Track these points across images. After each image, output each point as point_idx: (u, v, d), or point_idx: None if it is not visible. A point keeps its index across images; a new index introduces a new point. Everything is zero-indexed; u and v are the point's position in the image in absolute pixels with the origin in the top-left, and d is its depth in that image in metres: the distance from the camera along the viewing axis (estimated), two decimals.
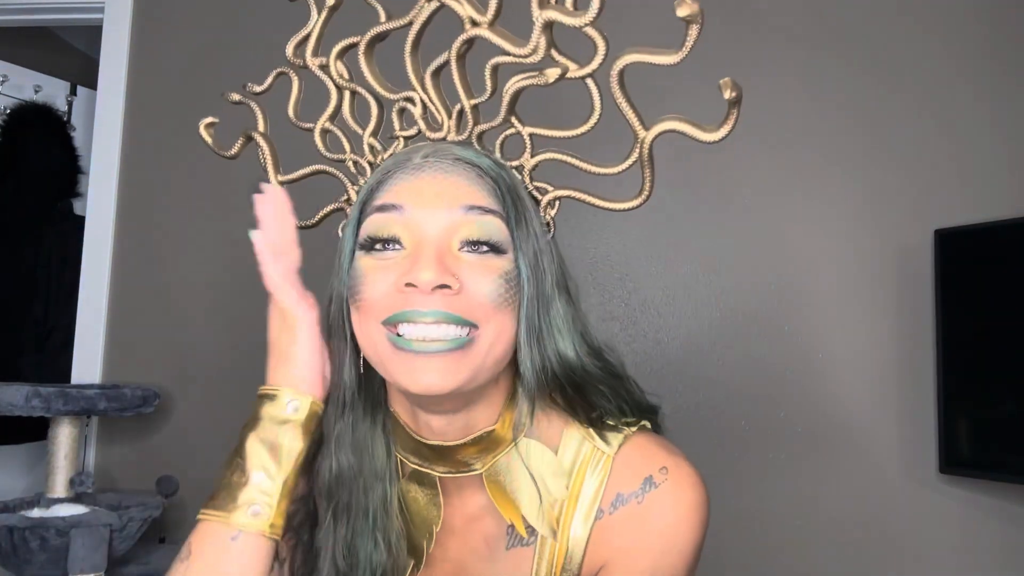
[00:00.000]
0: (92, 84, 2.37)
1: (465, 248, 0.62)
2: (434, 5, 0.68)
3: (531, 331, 0.64)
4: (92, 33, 2.20)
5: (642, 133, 0.69)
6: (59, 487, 1.70)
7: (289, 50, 0.83)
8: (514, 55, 0.65)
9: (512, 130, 0.71)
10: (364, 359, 0.66)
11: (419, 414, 0.66)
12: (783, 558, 1.67)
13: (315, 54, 0.80)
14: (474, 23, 0.66)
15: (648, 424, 0.72)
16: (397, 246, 0.63)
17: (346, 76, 0.78)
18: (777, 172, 1.76)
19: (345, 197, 0.82)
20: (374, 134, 0.77)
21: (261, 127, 0.90)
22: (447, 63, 0.70)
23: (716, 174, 1.78)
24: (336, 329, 0.68)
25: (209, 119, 0.92)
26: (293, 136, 0.88)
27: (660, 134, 0.69)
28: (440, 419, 0.66)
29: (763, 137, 1.77)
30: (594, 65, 0.65)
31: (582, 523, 0.66)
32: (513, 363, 0.67)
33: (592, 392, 0.68)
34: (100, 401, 1.69)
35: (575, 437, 0.68)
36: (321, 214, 0.89)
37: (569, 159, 0.71)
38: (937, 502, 1.63)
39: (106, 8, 2.06)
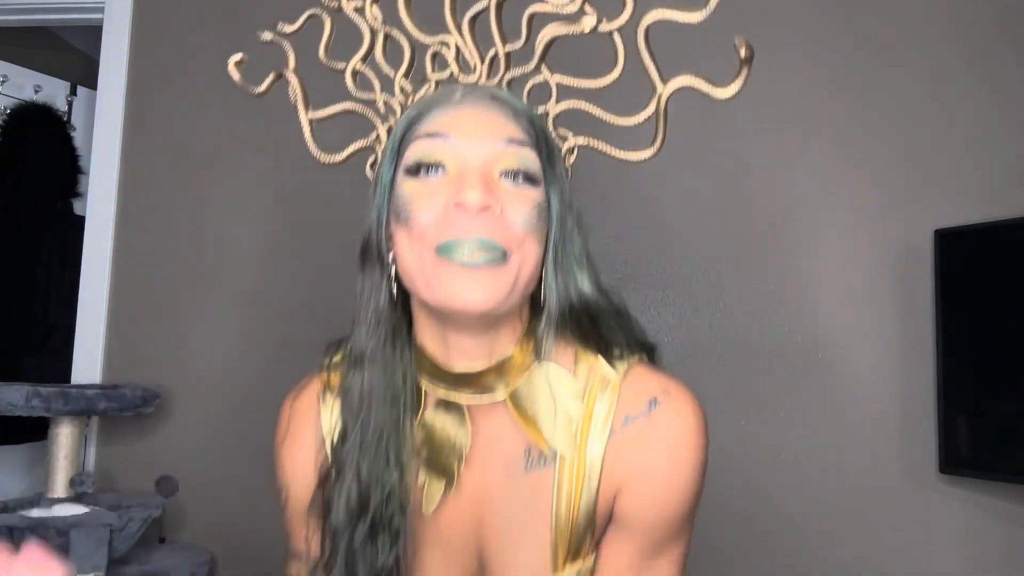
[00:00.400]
0: (92, 84, 2.37)
1: (504, 177, 0.68)
2: None
3: (556, 260, 0.70)
4: (92, 33, 2.20)
5: (660, 87, 0.75)
6: (59, 487, 1.70)
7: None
8: (552, 3, 0.73)
9: (540, 78, 0.76)
10: (394, 288, 0.72)
11: (449, 337, 0.71)
12: (783, 557, 1.67)
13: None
14: None
15: (647, 357, 0.77)
16: (441, 171, 0.68)
17: (380, 19, 0.82)
18: (776, 172, 1.76)
19: (375, 136, 0.84)
20: (406, 76, 0.81)
21: (292, 65, 0.92)
22: (485, 10, 0.76)
23: (716, 174, 1.78)
24: (372, 255, 0.73)
25: (238, 56, 0.96)
26: (322, 76, 0.90)
27: (677, 89, 0.75)
28: (470, 339, 0.70)
29: (762, 137, 1.77)
30: (623, 20, 0.72)
31: (597, 442, 0.70)
32: (530, 298, 0.73)
33: (603, 325, 0.74)
34: (100, 401, 1.69)
35: (585, 364, 0.73)
36: (349, 151, 0.92)
37: (591, 108, 0.76)
38: (937, 502, 1.63)
39: (106, 8, 2.06)
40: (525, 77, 0.77)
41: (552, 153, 0.71)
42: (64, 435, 1.72)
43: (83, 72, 2.88)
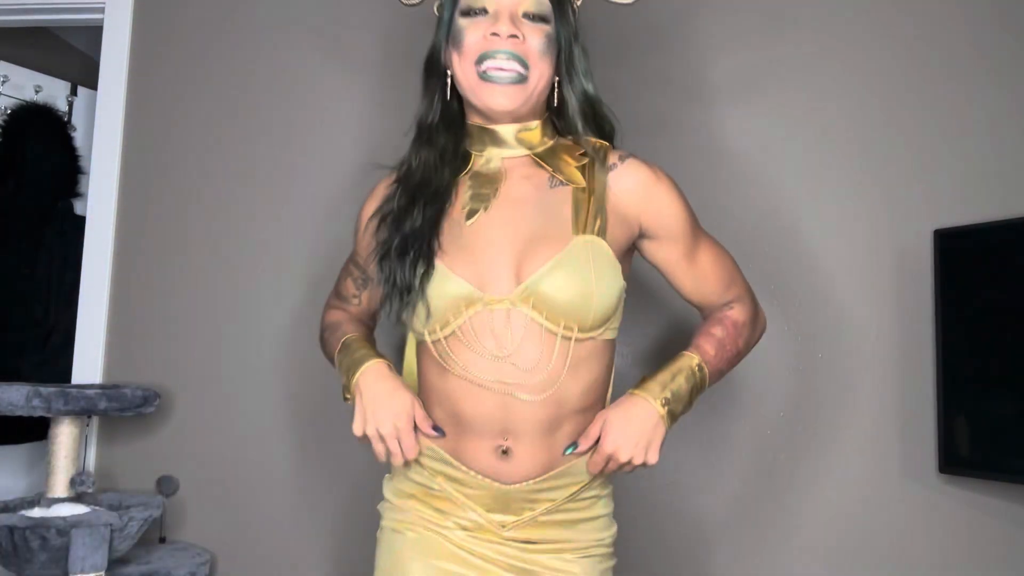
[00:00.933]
0: (93, 84, 2.37)
1: (525, 17, 1.01)
2: None
3: (565, 70, 1.05)
4: (93, 33, 2.20)
5: None
6: (60, 487, 1.70)
7: None
8: None
9: None
10: (444, 94, 1.07)
11: (496, 124, 1.06)
12: (782, 556, 1.67)
13: None
14: None
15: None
16: (484, 13, 1.01)
17: None
18: (776, 172, 1.76)
19: None
20: None
21: None
22: None
23: (716, 174, 1.78)
24: (433, 69, 1.08)
25: None
26: None
27: None
28: (505, 126, 1.06)
29: (762, 137, 1.77)
30: None
31: (602, 175, 1.04)
32: (540, 108, 1.07)
33: (602, 119, 1.09)
34: (101, 401, 1.70)
35: (584, 141, 1.07)
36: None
37: None
38: (936, 502, 1.63)
39: (106, 8, 2.06)
40: None
41: (565, 3, 1.06)
42: (64, 435, 1.72)
43: (84, 72, 2.88)
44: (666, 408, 0.97)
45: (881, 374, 1.68)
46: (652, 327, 1.77)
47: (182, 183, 2.01)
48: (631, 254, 1.10)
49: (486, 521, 0.98)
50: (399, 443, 0.96)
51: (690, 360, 1.05)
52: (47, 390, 1.65)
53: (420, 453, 0.99)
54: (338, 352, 1.09)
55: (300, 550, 1.85)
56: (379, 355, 1.05)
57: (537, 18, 1.01)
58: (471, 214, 1.01)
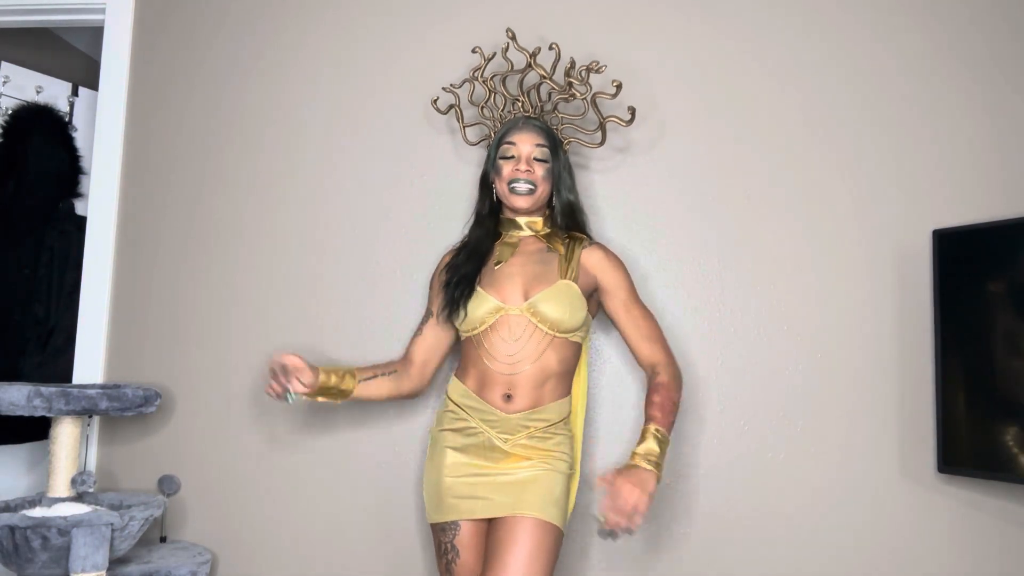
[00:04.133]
0: (94, 85, 2.38)
1: (535, 159, 1.62)
2: (529, 69, 1.75)
3: (557, 187, 1.65)
4: (94, 34, 2.21)
5: (602, 120, 1.72)
6: (61, 486, 1.71)
7: (469, 73, 1.80)
8: (558, 89, 1.72)
9: (554, 115, 1.75)
10: (490, 198, 1.69)
11: (517, 216, 1.66)
12: (782, 556, 1.68)
13: (481, 77, 1.78)
14: (544, 77, 1.72)
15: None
16: (513, 157, 1.62)
17: (494, 87, 1.77)
18: (776, 172, 1.77)
19: (490, 134, 1.78)
20: (502, 110, 1.77)
21: (458, 102, 1.83)
22: (533, 89, 1.74)
23: (716, 173, 1.79)
24: (484, 186, 1.70)
25: (436, 97, 1.86)
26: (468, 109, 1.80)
27: (608, 121, 1.71)
28: (522, 217, 1.66)
29: (762, 137, 1.78)
30: (586, 94, 1.70)
31: (580, 254, 1.61)
32: (543, 208, 1.67)
33: (579, 216, 1.69)
34: (101, 401, 1.70)
35: (569, 234, 1.66)
36: (479, 140, 1.85)
37: (574, 126, 1.75)
38: (935, 501, 1.63)
39: (107, 9, 2.07)
40: (549, 114, 1.75)
41: (557, 147, 1.67)
42: (65, 435, 1.72)
43: (85, 73, 2.88)
44: (651, 464, 1.41)
45: (881, 374, 1.68)
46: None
47: (183, 183, 2.01)
48: (594, 298, 1.63)
49: (496, 439, 1.54)
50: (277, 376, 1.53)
51: (648, 428, 1.46)
52: (48, 390, 1.65)
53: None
54: None
55: (300, 550, 1.85)
56: (335, 370, 1.59)
57: (541, 160, 1.62)
58: (498, 262, 1.61)
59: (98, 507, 1.64)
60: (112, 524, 1.52)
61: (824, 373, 1.71)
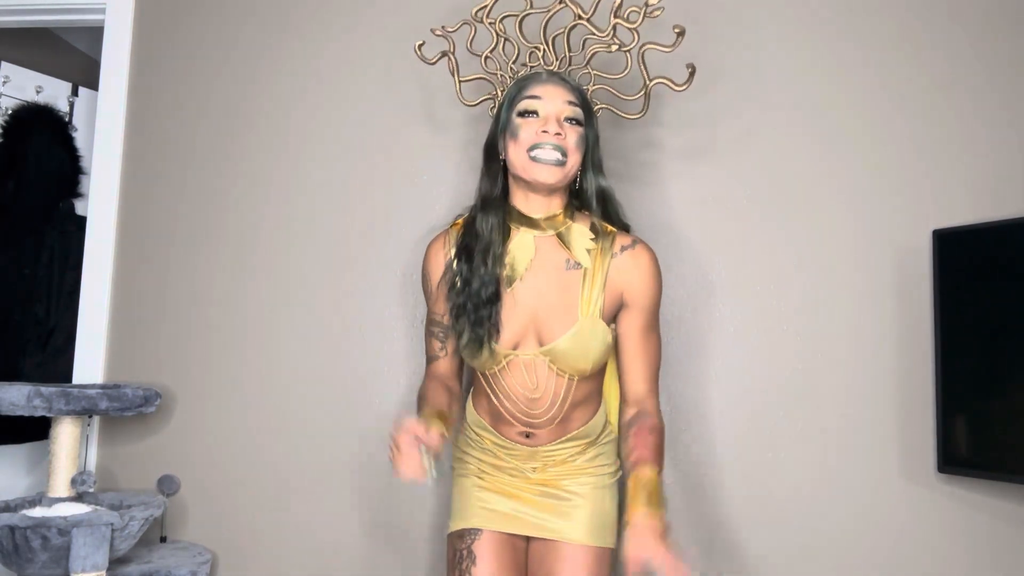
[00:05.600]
0: (94, 85, 2.37)
1: (566, 120, 1.31)
2: (561, 5, 1.45)
3: (588, 164, 1.36)
4: (94, 34, 2.20)
5: (648, 82, 1.41)
6: (61, 486, 1.71)
7: (472, 12, 1.47)
8: (599, 35, 1.42)
9: (586, 71, 1.46)
10: (503, 175, 1.38)
11: (529, 196, 1.36)
12: (782, 555, 1.67)
13: (489, 17, 1.46)
14: (579, 16, 1.42)
15: (626, 229, 1.44)
16: (536, 115, 1.31)
17: (503, 31, 1.47)
18: (776, 172, 1.77)
19: (493, 93, 1.51)
20: (513, 63, 1.46)
21: (452, 49, 1.52)
22: (562, 33, 1.43)
23: (716, 173, 1.79)
24: (491, 156, 1.38)
25: (420, 42, 1.56)
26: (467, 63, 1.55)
27: (656, 83, 1.42)
28: (540, 200, 1.35)
29: (762, 137, 1.78)
30: (632, 45, 1.40)
31: (606, 259, 1.34)
32: (566, 189, 1.37)
33: (610, 205, 1.40)
34: (102, 401, 1.70)
35: (598, 224, 1.37)
36: (479, 100, 1.55)
37: (610, 89, 1.45)
38: (935, 501, 1.63)
39: (107, 9, 2.07)
40: (579, 69, 1.45)
41: (589, 110, 1.37)
42: (65, 435, 1.72)
43: (85, 73, 2.88)
44: (654, 509, 1.21)
45: (881, 374, 1.68)
46: None
47: (183, 183, 2.01)
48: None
49: (520, 469, 1.40)
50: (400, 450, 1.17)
51: (641, 472, 1.26)
52: (48, 390, 1.65)
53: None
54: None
55: (300, 550, 1.85)
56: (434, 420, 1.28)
57: (574, 121, 1.31)
58: (510, 281, 1.34)
59: (98, 507, 1.64)
60: (112, 524, 1.52)
61: (824, 373, 1.70)
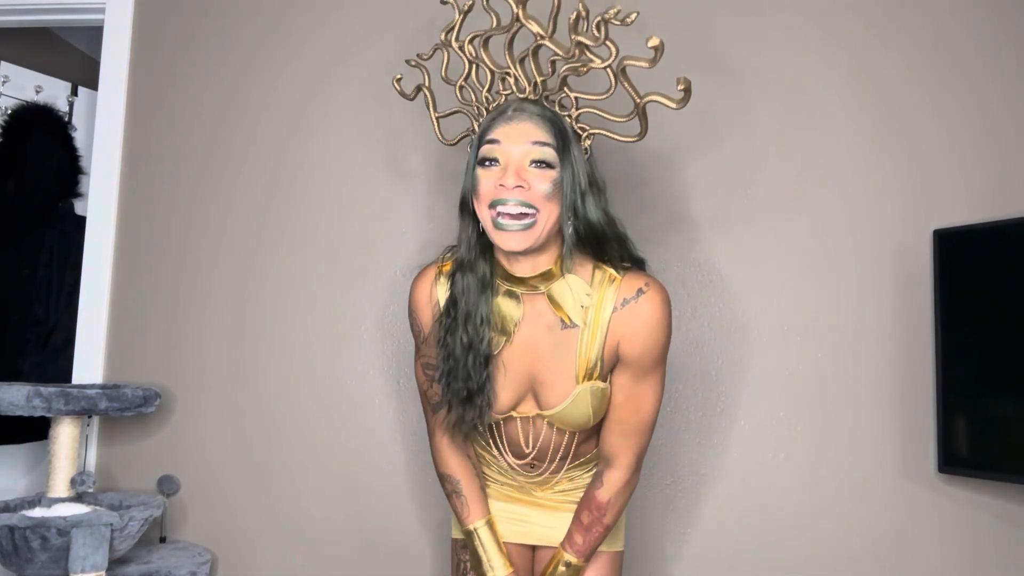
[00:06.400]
0: (93, 85, 2.37)
1: (532, 164, 1.12)
2: (518, 24, 1.20)
3: (569, 210, 1.14)
4: (93, 34, 2.20)
5: (638, 100, 1.18)
6: (60, 487, 1.71)
7: (441, 36, 1.29)
8: (563, 55, 1.17)
9: (564, 94, 1.22)
10: (479, 230, 1.18)
11: (510, 259, 1.19)
12: (783, 556, 1.67)
13: (457, 40, 1.27)
14: (541, 36, 1.19)
15: (639, 266, 1.24)
16: (496, 163, 1.13)
17: (472, 55, 1.26)
18: (776, 172, 1.77)
19: (471, 127, 1.30)
20: (488, 91, 1.26)
21: (427, 82, 1.38)
22: (527, 56, 1.21)
23: (716, 174, 1.79)
24: (465, 209, 1.19)
25: (398, 75, 1.43)
26: (440, 91, 1.39)
27: (647, 101, 1.17)
28: (519, 262, 1.19)
29: (762, 137, 1.77)
30: (609, 62, 1.15)
31: (605, 314, 1.18)
32: (561, 232, 1.17)
33: (606, 247, 1.20)
34: (101, 401, 1.70)
35: (599, 271, 1.20)
36: (458, 138, 1.38)
37: (597, 111, 1.22)
38: (936, 501, 1.63)
39: (107, 9, 2.07)
40: (556, 95, 1.22)
41: (567, 143, 1.15)
42: (65, 435, 1.72)
43: (84, 73, 2.88)
44: None
45: (881, 374, 1.68)
46: None
47: (182, 183, 2.01)
48: None
49: (525, 487, 1.36)
50: None
51: (560, 556, 1.30)
52: (48, 390, 1.65)
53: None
54: (467, 537, 1.35)
55: (300, 550, 1.85)
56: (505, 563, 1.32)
57: (543, 164, 1.12)
58: (498, 344, 1.22)
59: (98, 507, 1.64)
60: (112, 524, 1.52)
61: (824, 373, 1.70)
